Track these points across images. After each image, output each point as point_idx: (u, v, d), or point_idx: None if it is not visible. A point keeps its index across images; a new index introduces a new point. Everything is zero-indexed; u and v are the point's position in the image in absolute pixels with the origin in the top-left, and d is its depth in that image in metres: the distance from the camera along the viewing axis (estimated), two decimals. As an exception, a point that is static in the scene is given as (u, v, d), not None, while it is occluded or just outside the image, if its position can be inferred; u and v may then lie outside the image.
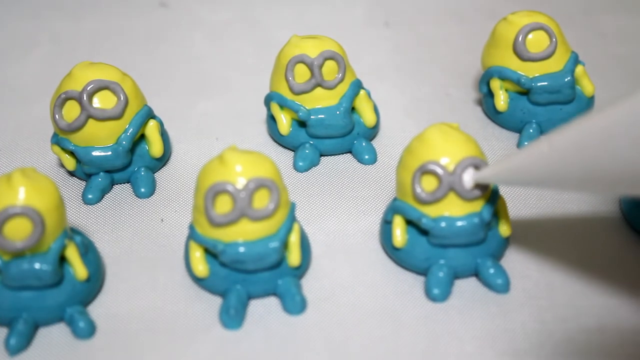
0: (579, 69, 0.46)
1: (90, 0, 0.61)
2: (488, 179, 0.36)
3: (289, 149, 0.47)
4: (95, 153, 0.42)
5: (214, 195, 0.36)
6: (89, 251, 0.38)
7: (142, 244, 0.41)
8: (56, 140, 0.43)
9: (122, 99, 0.42)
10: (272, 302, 0.38)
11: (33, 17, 0.60)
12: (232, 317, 0.37)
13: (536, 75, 0.46)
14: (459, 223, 0.37)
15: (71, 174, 0.45)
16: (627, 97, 0.30)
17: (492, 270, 0.38)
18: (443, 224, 0.37)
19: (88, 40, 0.57)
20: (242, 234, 0.36)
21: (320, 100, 0.44)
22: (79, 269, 0.36)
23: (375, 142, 0.47)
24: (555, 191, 0.43)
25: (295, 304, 0.37)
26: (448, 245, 0.38)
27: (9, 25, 0.59)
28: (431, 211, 0.37)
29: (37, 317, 0.36)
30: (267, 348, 0.36)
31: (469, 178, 0.37)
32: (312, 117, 0.44)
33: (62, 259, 0.36)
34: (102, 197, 0.44)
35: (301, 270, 0.38)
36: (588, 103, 0.47)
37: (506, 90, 0.47)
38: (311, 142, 0.45)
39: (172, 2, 0.61)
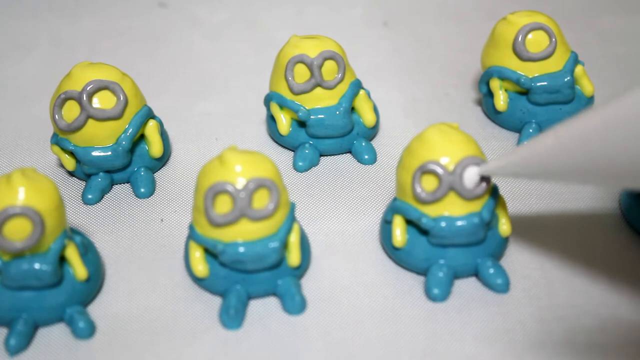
0: (578, 69, 0.46)
1: (90, 0, 0.61)
2: (493, 172, 0.36)
3: (288, 149, 0.47)
4: (95, 153, 0.42)
5: (213, 195, 0.36)
6: (88, 251, 0.38)
7: (141, 244, 0.41)
8: (56, 141, 0.43)
9: (121, 99, 0.42)
10: (272, 302, 0.38)
11: (32, 17, 0.59)
12: (232, 317, 0.37)
13: (536, 75, 0.46)
14: (459, 223, 0.37)
15: (71, 174, 0.45)
16: (631, 90, 0.30)
17: (492, 270, 0.38)
18: (443, 224, 0.37)
19: (87, 41, 0.57)
20: (242, 234, 0.36)
21: (319, 100, 0.44)
22: (78, 269, 0.36)
23: (374, 142, 0.47)
24: (559, 184, 0.43)
25: (295, 304, 0.37)
26: (448, 245, 0.38)
27: (8, 26, 0.59)
28: (431, 211, 0.37)
29: (37, 317, 0.36)
30: (267, 348, 0.36)
31: (471, 174, 0.37)
32: (311, 117, 0.44)
33: (62, 259, 0.36)
34: (102, 197, 0.44)
35: (301, 270, 0.38)
36: (588, 103, 0.47)
37: (506, 90, 0.47)
38: (311, 142, 0.45)
39: (171, 2, 0.61)
